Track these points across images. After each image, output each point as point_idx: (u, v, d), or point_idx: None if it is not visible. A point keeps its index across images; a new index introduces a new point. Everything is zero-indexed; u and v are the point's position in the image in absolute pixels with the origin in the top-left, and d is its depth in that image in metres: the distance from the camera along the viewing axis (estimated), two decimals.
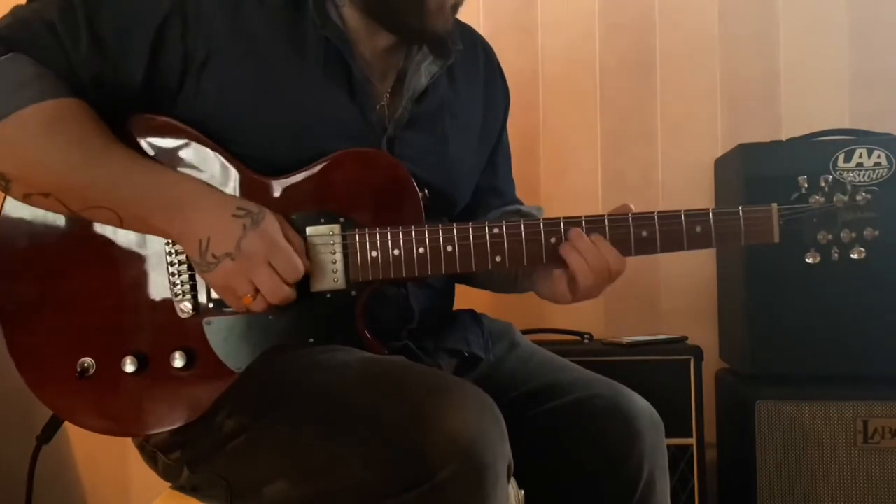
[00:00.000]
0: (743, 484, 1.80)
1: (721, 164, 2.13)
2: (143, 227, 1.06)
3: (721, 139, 2.21)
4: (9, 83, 1.00)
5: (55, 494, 2.13)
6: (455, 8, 1.15)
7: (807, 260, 1.11)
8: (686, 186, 2.22)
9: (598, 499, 1.16)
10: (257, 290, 1.02)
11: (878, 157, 1.77)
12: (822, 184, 1.10)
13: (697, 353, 1.84)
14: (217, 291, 1.05)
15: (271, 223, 1.03)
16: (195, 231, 1.02)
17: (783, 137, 2.02)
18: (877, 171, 1.77)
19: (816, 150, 1.81)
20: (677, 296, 2.21)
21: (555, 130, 2.23)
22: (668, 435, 1.22)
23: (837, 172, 1.78)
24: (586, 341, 1.99)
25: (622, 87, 2.25)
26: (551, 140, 2.21)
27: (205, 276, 1.05)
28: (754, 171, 1.83)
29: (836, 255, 1.10)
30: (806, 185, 1.10)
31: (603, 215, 1.09)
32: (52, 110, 1.01)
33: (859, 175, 1.77)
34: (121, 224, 1.05)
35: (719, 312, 2.18)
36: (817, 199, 1.10)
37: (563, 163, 2.23)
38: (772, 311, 1.83)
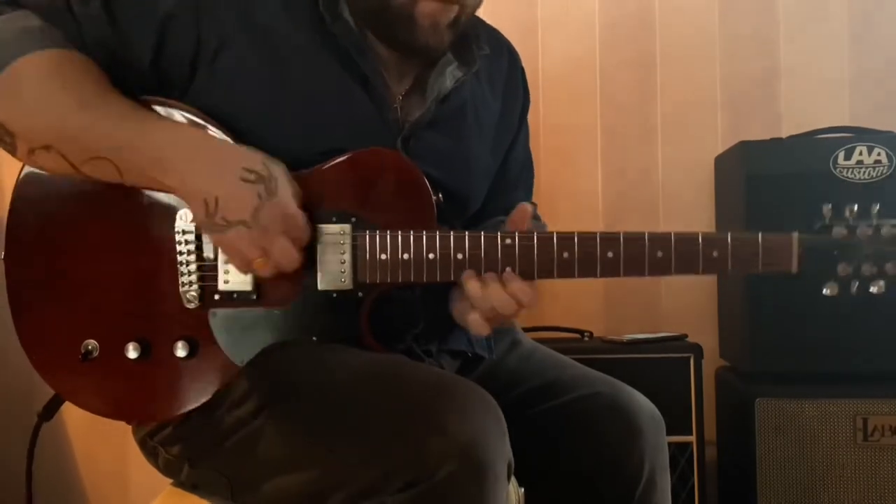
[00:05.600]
0: (743, 482, 1.80)
1: (721, 161, 2.13)
2: (142, 180, 1.03)
3: (721, 137, 2.21)
4: (13, 32, 1.01)
5: (55, 493, 2.13)
6: (455, 24, 1.13)
7: (824, 292, 1.08)
8: (686, 184, 2.22)
9: (599, 497, 1.16)
10: (266, 255, 1.02)
11: (879, 154, 1.77)
12: (847, 214, 1.07)
13: (697, 350, 1.84)
14: (224, 252, 1.04)
15: (285, 190, 1.02)
16: (198, 188, 1.00)
17: (783, 135, 2.02)
18: (877, 168, 1.77)
19: (817, 147, 1.81)
20: (677, 293, 2.21)
21: (555, 129, 2.22)
22: (668, 433, 1.21)
23: (837, 170, 1.78)
24: (586, 339, 1.99)
25: (622, 86, 2.25)
26: (551, 139, 2.21)
27: (212, 236, 1.04)
28: (755, 168, 1.84)
29: (856, 288, 1.07)
30: (830, 215, 1.07)
31: (618, 233, 1.07)
32: (53, 58, 1.01)
33: (859, 173, 1.77)
34: (121, 177, 1.03)
35: (719, 310, 2.18)
36: (840, 230, 1.06)
37: (563, 161, 2.23)
38: (772, 308, 1.82)
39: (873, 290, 1.08)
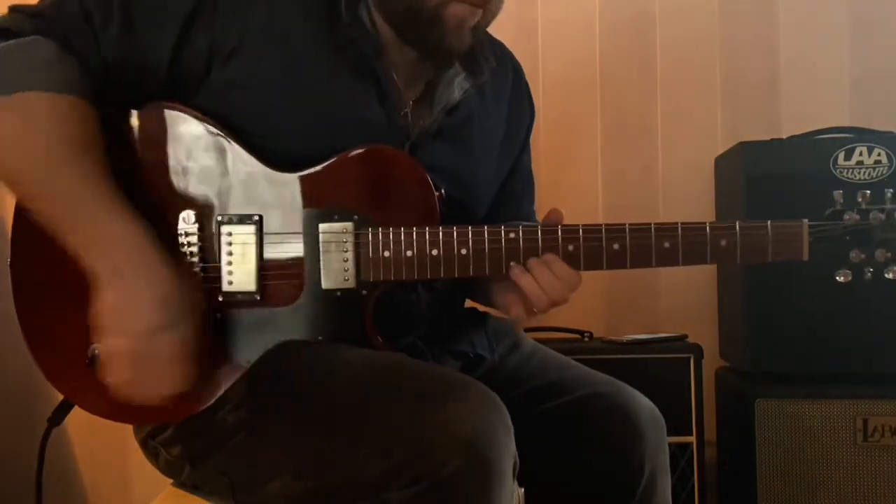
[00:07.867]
0: (743, 482, 1.80)
1: (721, 162, 2.13)
2: (72, 247, 1.01)
3: (721, 137, 2.21)
4: (23, 61, 1.00)
5: (56, 493, 2.13)
6: (476, 29, 1.13)
7: (837, 279, 1.06)
8: (686, 184, 2.22)
9: (599, 497, 1.16)
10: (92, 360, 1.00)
11: (879, 154, 1.77)
12: (860, 199, 1.06)
13: (697, 351, 1.84)
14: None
15: (183, 328, 0.98)
16: (112, 298, 0.98)
17: (783, 135, 2.03)
18: (877, 169, 1.77)
19: (817, 148, 1.81)
20: (677, 294, 2.21)
21: (555, 128, 2.22)
22: (668, 433, 1.21)
23: (838, 171, 1.78)
24: (586, 339, 1.99)
25: (622, 85, 2.26)
26: (551, 138, 2.21)
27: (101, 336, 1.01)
28: (755, 169, 1.84)
29: (870, 274, 1.06)
30: (841, 201, 1.06)
31: (624, 224, 1.07)
32: (49, 105, 0.99)
33: (859, 173, 1.78)
34: (54, 234, 1.01)
35: (719, 310, 2.18)
36: (852, 216, 1.05)
37: (563, 160, 2.23)
38: (772, 309, 1.83)
39: (889, 276, 1.06)
